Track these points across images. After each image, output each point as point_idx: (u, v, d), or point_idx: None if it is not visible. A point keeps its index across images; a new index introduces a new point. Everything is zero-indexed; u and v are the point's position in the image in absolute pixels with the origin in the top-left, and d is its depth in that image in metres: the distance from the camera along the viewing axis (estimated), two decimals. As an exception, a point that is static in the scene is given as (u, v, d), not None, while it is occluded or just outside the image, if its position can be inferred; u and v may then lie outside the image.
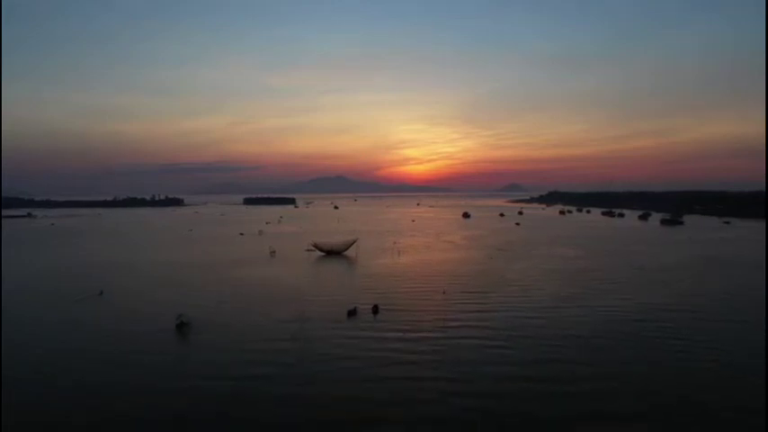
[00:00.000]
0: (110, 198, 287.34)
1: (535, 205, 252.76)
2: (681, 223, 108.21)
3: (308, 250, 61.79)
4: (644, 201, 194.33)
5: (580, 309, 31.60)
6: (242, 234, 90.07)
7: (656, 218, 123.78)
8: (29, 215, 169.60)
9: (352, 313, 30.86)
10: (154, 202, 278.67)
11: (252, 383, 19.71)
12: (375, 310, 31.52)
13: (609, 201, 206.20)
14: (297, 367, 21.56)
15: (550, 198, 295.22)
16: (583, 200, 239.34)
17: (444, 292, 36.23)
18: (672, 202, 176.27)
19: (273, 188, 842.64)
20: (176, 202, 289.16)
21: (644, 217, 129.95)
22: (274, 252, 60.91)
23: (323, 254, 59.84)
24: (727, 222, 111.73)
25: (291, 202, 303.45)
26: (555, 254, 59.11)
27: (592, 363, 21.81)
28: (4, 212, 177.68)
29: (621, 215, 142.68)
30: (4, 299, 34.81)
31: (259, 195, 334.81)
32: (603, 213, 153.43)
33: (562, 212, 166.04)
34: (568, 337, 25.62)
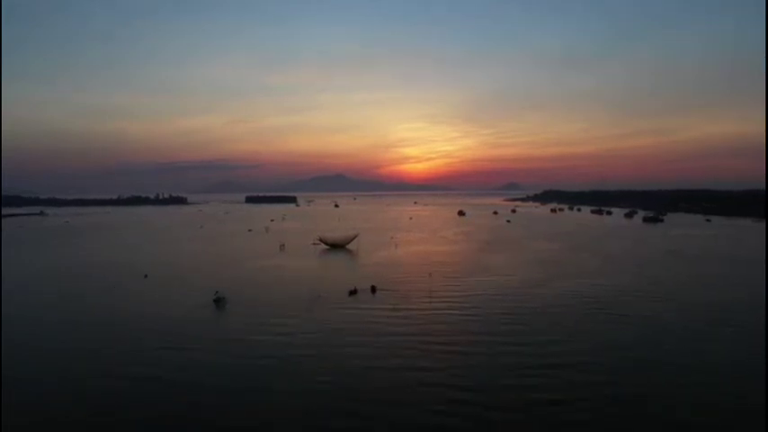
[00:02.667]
0: (114, 197, 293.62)
1: (530, 204, 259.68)
2: (661, 221, 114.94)
3: (314, 244, 68.59)
4: (636, 199, 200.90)
5: (544, 290, 38.20)
6: (250, 230, 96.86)
7: (641, 215, 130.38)
8: (41, 213, 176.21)
9: (352, 293, 37.40)
10: (158, 201, 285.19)
11: (276, 344, 25.75)
12: (373, 290, 38.17)
13: (602, 199, 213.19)
14: (309, 332, 28.01)
15: (545, 197, 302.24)
16: (577, 198, 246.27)
17: (430, 275, 43.04)
18: (661, 200, 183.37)
19: (273, 187, 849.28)
20: (180, 201, 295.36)
21: (630, 215, 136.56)
22: (284, 246, 67.64)
23: (327, 247, 66.61)
24: (708, 220, 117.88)
25: (293, 200, 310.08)
26: (535, 247, 65.85)
27: (546, 329, 27.99)
28: (15, 210, 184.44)
29: (609, 213, 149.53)
30: (51, 291, 41.48)
31: (260, 194, 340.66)
32: (593, 211, 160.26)
33: (554, 210, 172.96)
34: (530, 310, 32.16)
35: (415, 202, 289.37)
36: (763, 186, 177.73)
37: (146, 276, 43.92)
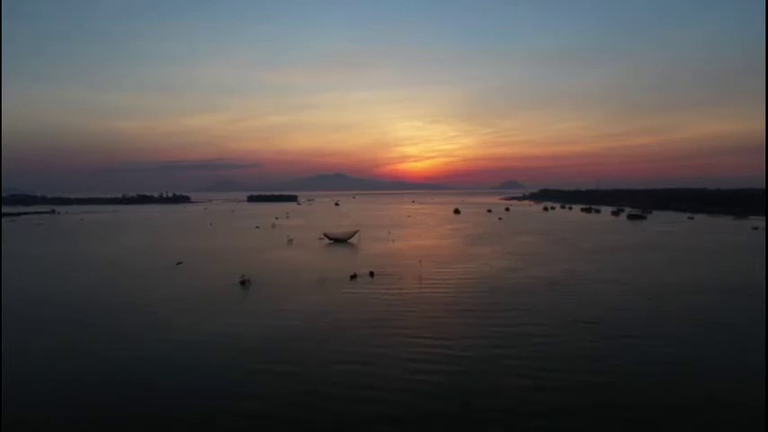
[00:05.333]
0: (118, 195, 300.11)
1: (526, 202, 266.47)
2: (644, 218, 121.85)
3: (320, 239, 75.58)
4: (631, 198, 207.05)
5: (516, 274, 45.16)
6: (257, 227, 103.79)
7: (628, 213, 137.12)
8: (52, 211, 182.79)
9: (353, 277, 44.21)
10: (162, 200, 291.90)
11: (293, 314, 32.70)
12: (371, 275, 45.08)
13: (598, 198, 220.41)
14: (319, 306, 34.90)
15: (541, 196, 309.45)
16: (573, 197, 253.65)
17: (420, 262, 50.04)
18: (653, 198, 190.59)
19: (273, 186, 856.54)
20: (184, 200, 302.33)
21: (616, 213, 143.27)
22: (291, 240, 74.63)
23: (331, 241, 73.55)
24: (692, 218, 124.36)
25: (293, 199, 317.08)
26: (518, 241, 72.83)
27: (513, 303, 34.68)
28: (25, 209, 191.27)
29: (597, 211, 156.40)
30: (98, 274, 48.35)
31: (262, 193, 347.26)
32: (583, 209, 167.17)
33: (545, 209, 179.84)
34: (502, 289, 39.03)
35: (413, 201, 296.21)
36: (755, 185, 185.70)
37: (179, 264, 50.94)
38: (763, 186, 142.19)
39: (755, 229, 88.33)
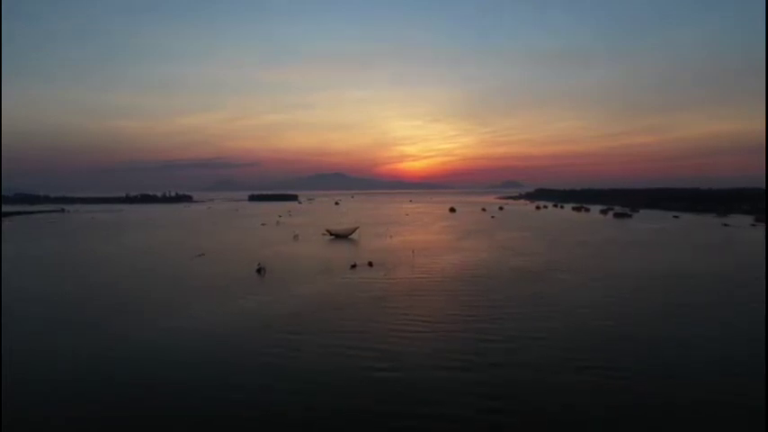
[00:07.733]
0: (121, 195, 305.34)
1: (522, 201, 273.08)
2: (630, 216, 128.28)
3: (323, 234, 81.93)
4: (622, 197, 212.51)
5: (496, 263, 51.48)
6: (263, 224, 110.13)
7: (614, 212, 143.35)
8: (62, 210, 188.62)
9: (354, 266, 50.44)
10: (165, 199, 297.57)
11: (303, 294, 39.06)
12: (370, 264, 51.35)
13: (593, 197, 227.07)
14: (324, 288, 41.19)
15: (537, 195, 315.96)
16: (567, 196, 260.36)
17: (413, 252, 56.45)
18: (646, 198, 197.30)
19: (272, 185, 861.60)
20: (186, 199, 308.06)
21: (605, 211, 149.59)
22: (297, 236, 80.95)
23: (333, 237, 79.89)
24: (677, 216, 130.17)
25: (294, 198, 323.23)
26: (505, 236, 79.19)
27: (491, 286, 41.00)
28: (33, 208, 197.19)
29: (587, 210, 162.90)
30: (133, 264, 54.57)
31: (263, 192, 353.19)
32: (573, 208, 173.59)
33: (538, 207, 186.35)
34: (483, 275, 45.35)
35: (411, 201, 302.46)
36: (755, 185, 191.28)
37: (200, 255, 57.29)
38: (763, 186, 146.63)
39: (725, 226, 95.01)
